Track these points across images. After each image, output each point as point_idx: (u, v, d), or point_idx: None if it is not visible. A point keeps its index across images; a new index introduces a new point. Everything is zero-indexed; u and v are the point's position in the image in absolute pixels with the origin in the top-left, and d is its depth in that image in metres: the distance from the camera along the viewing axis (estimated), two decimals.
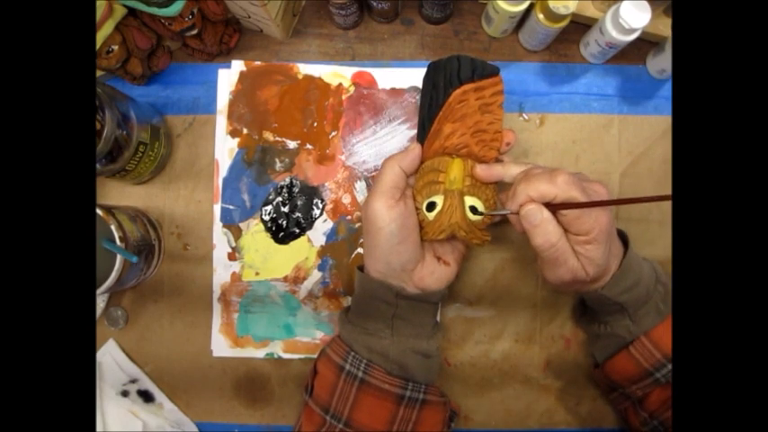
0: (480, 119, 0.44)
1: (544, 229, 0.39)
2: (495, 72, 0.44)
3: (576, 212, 0.39)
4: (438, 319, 0.49)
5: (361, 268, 0.48)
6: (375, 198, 0.43)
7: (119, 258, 0.46)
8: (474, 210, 0.44)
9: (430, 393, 0.45)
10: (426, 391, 0.45)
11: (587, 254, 0.40)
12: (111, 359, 0.55)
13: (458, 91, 0.43)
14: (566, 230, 0.40)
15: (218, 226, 0.56)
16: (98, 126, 0.43)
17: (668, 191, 0.55)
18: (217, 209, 0.56)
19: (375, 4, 0.52)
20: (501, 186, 0.45)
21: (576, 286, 0.43)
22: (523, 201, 0.40)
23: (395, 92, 0.56)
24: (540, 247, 0.40)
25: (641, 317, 0.44)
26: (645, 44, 0.55)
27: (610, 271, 0.43)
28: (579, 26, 0.55)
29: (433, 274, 0.45)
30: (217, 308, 0.56)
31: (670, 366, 0.43)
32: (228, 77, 0.56)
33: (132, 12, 0.49)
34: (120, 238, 0.46)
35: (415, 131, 0.55)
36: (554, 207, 0.39)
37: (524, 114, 0.56)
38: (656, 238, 0.55)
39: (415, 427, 0.44)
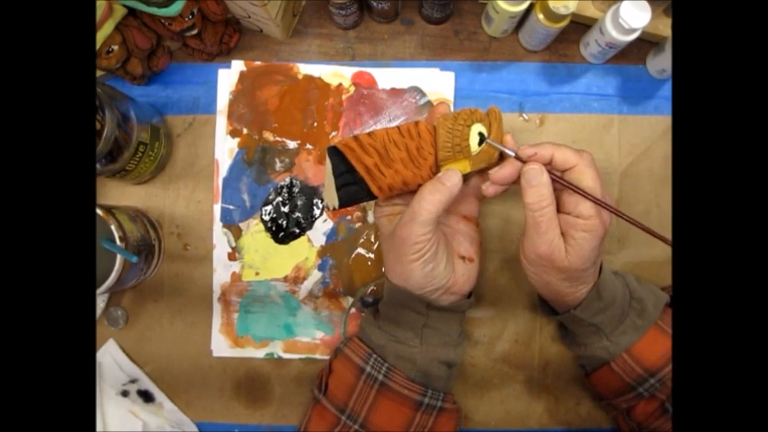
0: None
1: (539, 191, 0.39)
2: None
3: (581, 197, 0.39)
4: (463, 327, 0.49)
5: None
6: (408, 230, 0.40)
7: (119, 258, 0.46)
8: (482, 138, 0.41)
9: (447, 401, 0.45)
10: (444, 399, 0.45)
11: (578, 242, 0.40)
12: (111, 359, 0.55)
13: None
14: (566, 211, 0.40)
15: (218, 226, 0.56)
16: (98, 126, 0.43)
17: (668, 191, 0.56)
18: (217, 209, 0.56)
19: (375, 4, 0.52)
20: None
21: (549, 272, 0.42)
22: (542, 154, 0.40)
23: (395, 92, 0.56)
24: (530, 206, 0.40)
25: (618, 336, 0.44)
26: (645, 44, 0.55)
27: (586, 283, 0.43)
28: (579, 26, 0.55)
29: (464, 276, 0.45)
30: (217, 308, 0.56)
31: (652, 381, 0.43)
32: (228, 77, 0.56)
33: (132, 12, 0.49)
34: (120, 238, 0.46)
35: None
36: (562, 182, 0.40)
37: (524, 114, 0.56)
38: (655, 238, 0.55)
39: None
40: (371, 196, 0.42)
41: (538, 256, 0.41)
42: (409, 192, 0.43)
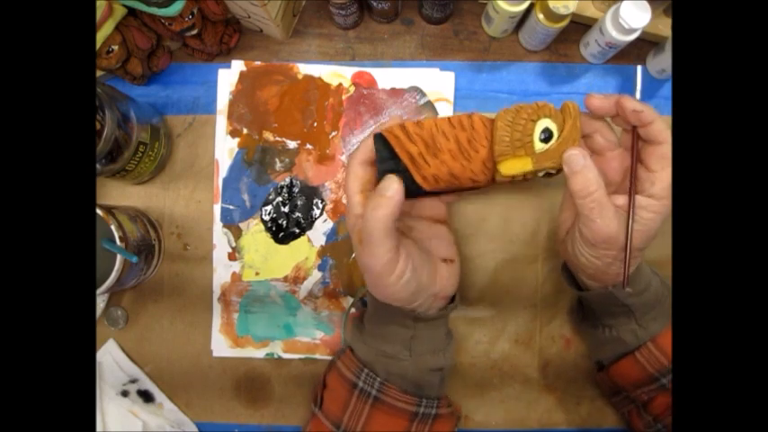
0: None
1: (584, 176, 0.37)
2: None
3: (660, 176, 0.38)
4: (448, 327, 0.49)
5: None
6: (368, 253, 0.38)
7: (119, 258, 0.46)
8: (549, 135, 0.38)
9: (441, 407, 0.45)
10: (438, 405, 0.45)
11: (646, 223, 0.38)
12: (111, 359, 0.55)
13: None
14: (638, 191, 0.39)
15: (218, 226, 0.56)
16: (98, 126, 0.43)
17: None
18: (217, 209, 0.56)
19: (375, 4, 0.52)
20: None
21: (613, 252, 0.40)
22: (628, 103, 0.38)
23: (395, 92, 0.56)
24: (577, 194, 0.38)
25: (648, 321, 0.43)
26: (645, 44, 0.55)
27: (635, 263, 0.42)
28: (579, 26, 0.55)
29: (448, 279, 0.45)
30: (217, 308, 0.56)
31: None
32: (228, 77, 0.56)
33: (132, 12, 0.49)
34: (120, 238, 0.46)
35: None
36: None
37: None
38: (655, 238, 0.55)
39: None
40: (417, 187, 0.39)
41: (603, 240, 0.39)
42: (460, 189, 0.41)
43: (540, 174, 0.40)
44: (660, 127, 0.39)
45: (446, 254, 0.46)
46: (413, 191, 0.39)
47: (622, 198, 0.40)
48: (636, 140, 0.40)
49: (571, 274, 0.48)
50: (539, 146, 0.38)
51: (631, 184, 0.40)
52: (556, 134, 0.38)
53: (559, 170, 0.39)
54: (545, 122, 0.38)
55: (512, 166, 0.39)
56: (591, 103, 0.40)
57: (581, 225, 0.40)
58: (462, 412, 0.55)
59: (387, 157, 0.39)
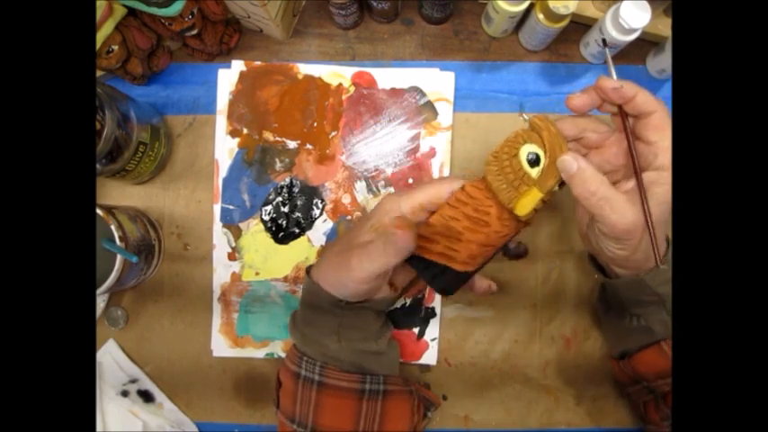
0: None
1: (581, 178, 0.37)
2: None
3: (660, 146, 0.38)
4: (386, 320, 0.49)
5: (309, 269, 0.46)
6: (360, 268, 0.40)
7: (119, 258, 0.46)
8: (536, 158, 0.38)
9: (391, 384, 0.45)
10: (386, 382, 0.44)
11: (660, 196, 0.38)
12: (111, 359, 0.55)
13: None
14: (643, 167, 0.39)
15: (218, 226, 0.56)
16: (98, 126, 0.43)
17: None
18: (217, 209, 0.56)
19: (375, 4, 0.52)
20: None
21: (640, 238, 0.39)
22: (628, 89, 0.38)
23: (395, 92, 0.56)
24: (581, 197, 0.37)
25: None
26: (645, 44, 0.55)
27: (663, 246, 0.40)
28: (579, 26, 0.55)
29: (383, 296, 0.45)
30: (217, 308, 0.56)
31: None
32: (228, 77, 0.56)
33: (132, 12, 0.49)
34: (120, 238, 0.46)
35: (415, 131, 0.55)
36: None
37: (524, 114, 0.56)
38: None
39: (381, 420, 0.44)
40: (464, 274, 0.41)
41: (623, 232, 0.38)
42: (499, 248, 0.42)
43: (555, 189, 0.39)
44: (644, 98, 0.38)
45: (397, 280, 0.46)
46: (463, 278, 0.41)
47: (631, 182, 0.39)
48: (625, 119, 0.39)
49: (598, 263, 0.47)
50: (534, 172, 0.38)
51: (635, 166, 0.39)
52: (541, 152, 0.38)
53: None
54: (526, 149, 0.38)
55: (525, 205, 0.38)
56: (572, 104, 0.40)
57: (598, 223, 0.39)
58: (462, 412, 0.55)
59: (425, 266, 0.41)
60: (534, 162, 0.38)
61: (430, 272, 0.41)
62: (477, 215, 0.39)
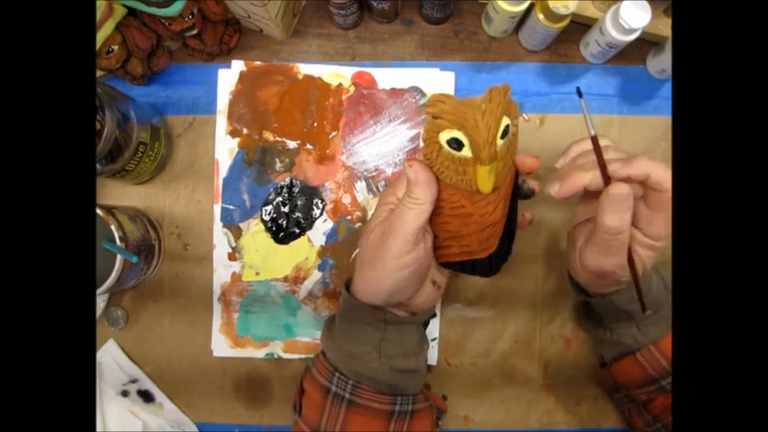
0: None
1: (623, 217, 0.35)
2: None
3: (659, 218, 0.36)
4: (425, 331, 0.49)
5: (348, 284, 0.44)
6: (395, 237, 0.37)
7: (119, 258, 0.46)
8: (505, 133, 0.35)
9: (417, 402, 0.45)
10: (414, 401, 0.45)
11: (642, 259, 0.38)
12: (111, 359, 0.55)
13: None
14: (637, 226, 0.38)
15: (218, 226, 0.56)
16: (98, 126, 0.43)
17: None
18: (217, 209, 0.56)
19: (375, 4, 0.52)
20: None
21: (603, 281, 0.41)
22: (637, 174, 0.35)
23: (395, 92, 0.56)
24: (608, 230, 0.36)
25: (648, 326, 0.43)
26: (645, 44, 0.55)
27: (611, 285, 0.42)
28: (579, 26, 0.55)
29: (426, 297, 0.44)
30: (217, 308, 0.56)
31: None
32: (228, 77, 0.56)
33: (132, 12, 0.49)
34: (120, 238, 0.46)
35: (415, 131, 0.55)
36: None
37: (524, 114, 0.56)
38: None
39: None
40: (491, 256, 0.40)
41: (600, 272, 0.39)
42: (501, 218, 0.39)
43: (502, 143, 0.36)
44: (660, 177, 0.35)
45: (438, 277, 0.45)
46: (494, 257, 0.40)
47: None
48: (601, 157, 0.37)
49: (576, 282, 0.48)
50: (465, 151, 0.35)
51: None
52: (455, 132, 0.35)
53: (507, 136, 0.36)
54: (443, 138, 0.35)
55: (484, 182, 0.36)
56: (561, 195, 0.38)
57: (587, 250, 0.39)
58: (462, 412, 0.55)
59: (459, 266, 0.42)
60: (458, 143, 0.35)
61: (466, 269, 0.42)
62: (457, 211, 0.39)
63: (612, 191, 0.35)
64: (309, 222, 0.56)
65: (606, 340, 0.47)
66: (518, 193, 0.40)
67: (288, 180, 0.56)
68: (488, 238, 0.40)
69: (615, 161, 0.36)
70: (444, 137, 0.35)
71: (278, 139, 0.56)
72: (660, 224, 0.37)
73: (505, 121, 0.35)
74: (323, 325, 0.47)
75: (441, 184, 0.38)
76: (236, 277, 0.56)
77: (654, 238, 0.37)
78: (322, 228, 0.56)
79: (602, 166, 0.37)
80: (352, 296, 0.43)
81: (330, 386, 0.43)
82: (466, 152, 0.35)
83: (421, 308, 0.44)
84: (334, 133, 0.56)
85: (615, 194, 0.35)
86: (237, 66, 0.56)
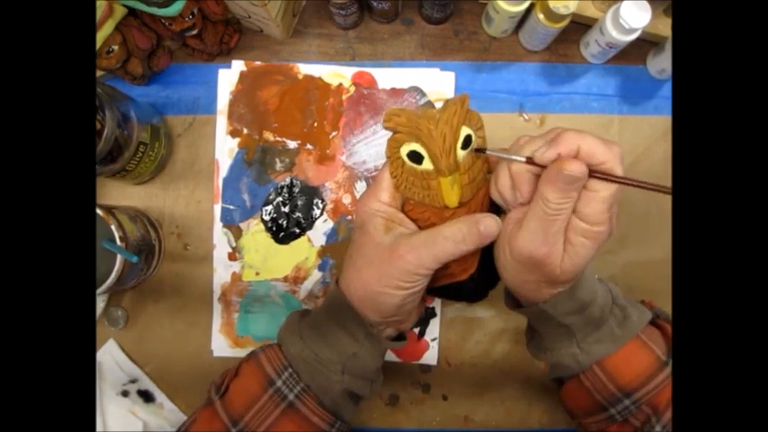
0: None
1: (567, 193, 0.32)
2: None
3: (596, 197, 0.33)
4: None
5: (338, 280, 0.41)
6: (430, 252, 0.35)
7: (119, 258, 0.46)
8: (467, 143, 0.34)
9: None
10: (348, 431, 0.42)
11: (576, 249, 0.34)
12: (111, 359, 0.55)
13: None
14: (574, 210, 0.34)
15: (218, 226, 0.56)
16: (98, 126, 0.43)
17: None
18: (217, 209, 0.56)
19: (375, 4, 0.52)
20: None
21: (533, 272, 0.35)
22: (567, 150, 0.32)
23: (395, 92, 0.56)
24: (550, 205, 0.33)
25: (591, 344, 0.37)
26: (645, 44, 0.55)
27: (565, 286, 0.36)
28: (579, 26, 0.55)
29: (413, 315, 0.42)
30: (217, 308, 0.56)
31: (627, 402, 0.36)
32: (229, 77, 0.56)
33: (132, 12, 0.49)
34: (120, 238, 0.46)
35: None
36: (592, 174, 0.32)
37: (524, 114, 0.56)
38: (655, 237, 0.55)
39: None
40: (471, 278, 0.39)
41: (531, 256, 0.34)
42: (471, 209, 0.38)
43: (464, 153, 0.35)
44: (593, 149, 0.32)
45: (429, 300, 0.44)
46: (475, 279, 0.40)
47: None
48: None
49: (512, 296, 0.42)
50: (426, 164, 0.35)
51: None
52: (414, 145, 0.34)
53: (480, 149, 0.36)
54: (403, 152, 0.35)
55: (449, 194, 0.35)
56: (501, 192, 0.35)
57: (522, 232, 0.35)
58: (462, 412, 0.55)
59: (444, 291, 0.41)
60: (418, 156, 0.34)
61: (451, 294, 0.41)
62: (431, 220, 0.38)
63: (568, 167, 0.31)
64: (310, 222, 0.56)
65: (549, 364, 0.41)
66: (499, 211, 0.38)
67: (288, 180, 0.56)
68: (467, 258, 0.38)
69: (538, 141, 0.33)
70: (404, 151, 0.35)
71: (278, 139, 0.56)
72: (597, 205, 0.32)
73: (465, 131, 0.34)
74: (289, 315, 0.43)
75: (411, 203, 0.37)
76: (236, 277, 0.56)
77: (590, 222, 0.33)
78: (322, 228, 0.56)
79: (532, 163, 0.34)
80: (342, 293, 0.39)
81: (276, 380, 0.38)
82: (427, 164, 0.34)
83: (408, 326, 0.42)
84: (334, 133, 0.56)
85: (571, 171, 0.31)
86: (237, 66, 0.56)
